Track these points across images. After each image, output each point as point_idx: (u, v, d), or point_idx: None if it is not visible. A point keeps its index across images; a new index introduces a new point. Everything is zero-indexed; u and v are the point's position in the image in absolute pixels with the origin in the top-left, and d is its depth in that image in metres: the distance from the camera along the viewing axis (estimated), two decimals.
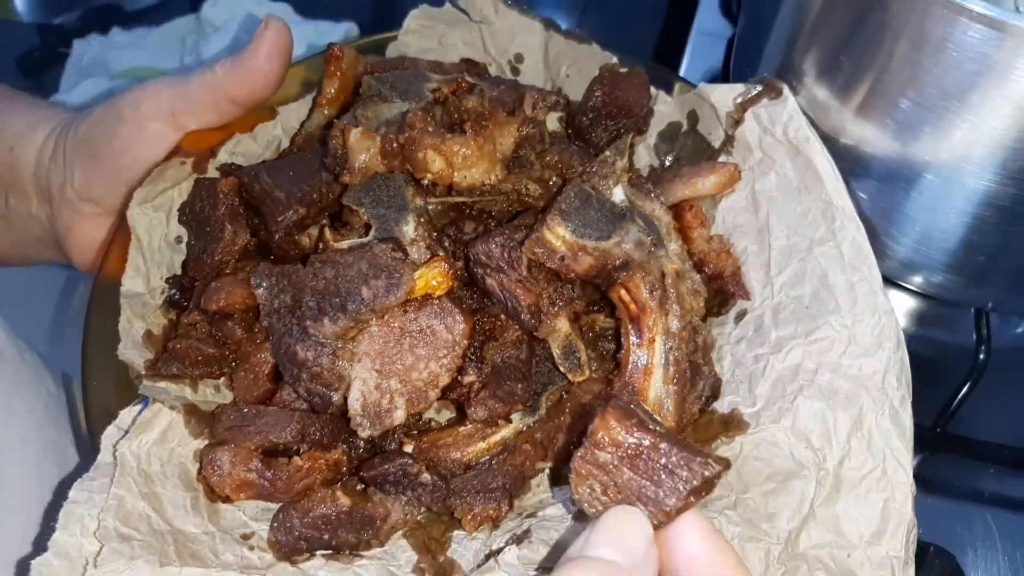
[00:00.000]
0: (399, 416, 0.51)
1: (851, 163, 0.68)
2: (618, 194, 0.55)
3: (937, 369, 0.79)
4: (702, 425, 0.55)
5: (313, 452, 0.52)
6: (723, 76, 0.90)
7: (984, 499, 0.72)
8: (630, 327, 0.54)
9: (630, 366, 0.54)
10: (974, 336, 0.76)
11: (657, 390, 0.53)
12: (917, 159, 0.63)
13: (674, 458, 0.39)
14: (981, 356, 0.75)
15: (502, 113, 0.53)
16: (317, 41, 0.95)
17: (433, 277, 0.52)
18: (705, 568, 0.37)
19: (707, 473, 0.38)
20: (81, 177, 0.63)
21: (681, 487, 0.38)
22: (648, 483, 0.38)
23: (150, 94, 0.62)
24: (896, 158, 0.64)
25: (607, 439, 0.39)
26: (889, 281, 0.78)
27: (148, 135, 0.62)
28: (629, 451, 0.39)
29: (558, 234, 0.51)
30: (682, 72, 0.93)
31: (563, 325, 0.54)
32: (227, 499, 0.53)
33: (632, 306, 0.54)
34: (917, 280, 0.76)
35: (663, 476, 0.38)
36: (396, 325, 0.52)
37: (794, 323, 0.56)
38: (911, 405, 0.52)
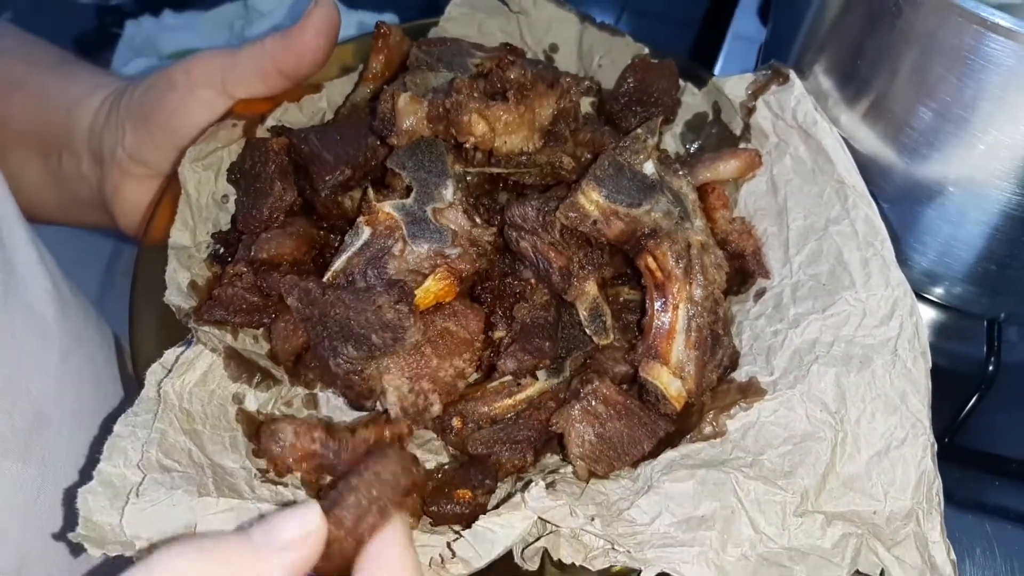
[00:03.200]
0: (436, 410, 0.55)
1: (872, 172, 0.69)
2: (649, 167, 0.58)
3: (948, 380, 0.79)
4: (720, 392, 0.57)
5: (378, 423, 0.54)
6: None
7: (986, 510, 0.72)
8: (655, 293, 0.56)
9: (654, 330, 0.56)
10: (985, 349, 0.77)
11: (679, 354, 0.56)
12: (938, 169, 0.64)
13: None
14: (991, 368, 0.76)
15: (543, 85, 0.56)
16: (360, 30, 0.99)
17: (439, 290, 0.55)
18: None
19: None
20: (132, 139, 0.66)
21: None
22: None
23: (201, 62, 0.65)
24: (917, 168, 0.65)
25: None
26: None
27: (198, 101, 0.65)
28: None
29: (591, 198, 0.54)
30: (717, 74, 0.95)
31: (591, 288, 0.57)
32: (287, 470, 0.54)
33: (658, 273, 0.56)
34: (938, 291, 0.78)
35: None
36: None
37: (811, 299, 0.59)
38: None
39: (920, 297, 0.80)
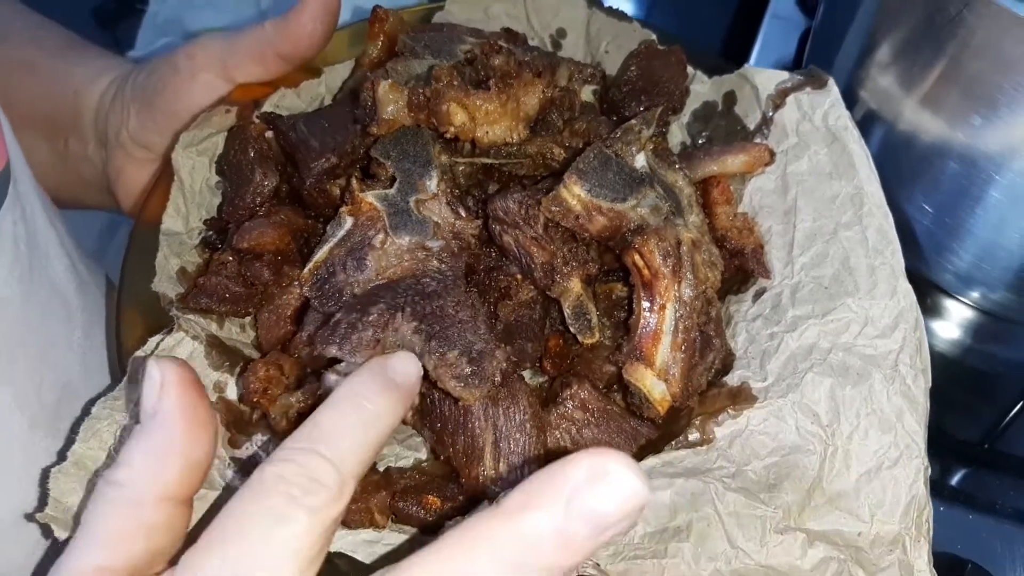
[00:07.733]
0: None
1: (919, 173, 0.68)
2: (640, 160, 0.55)
3: (991, 384, 0.79)
4: (709, 397, 0.55)
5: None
6: (795, 66, 0.90)
7: None
8: (642, 292, 0.54)
9: (639, 331, 0.54)
10: None
11: (664, 356, 0.53)
12: (985, 175, 0.63)
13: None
14: None
15: (528, 73, 0.54)
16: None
17: None
18: None
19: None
20: (136, 122, 0.67)
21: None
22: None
23: (203, 46, 0.65)
24: (964, 172, 0.64)
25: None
26: (947, 294, 0.79)
27: (199, 85, 0.65)
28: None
29: (574, 192, 0.52)
30: (752, 61, 0.93)
31: (575, 285, 0.55)
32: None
33: (645, 271, 0.54)
34: (974, 295, 0.76)
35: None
36: None
37: (811, 303, 0.56)
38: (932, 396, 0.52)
39: (956, 300, 0.79)
